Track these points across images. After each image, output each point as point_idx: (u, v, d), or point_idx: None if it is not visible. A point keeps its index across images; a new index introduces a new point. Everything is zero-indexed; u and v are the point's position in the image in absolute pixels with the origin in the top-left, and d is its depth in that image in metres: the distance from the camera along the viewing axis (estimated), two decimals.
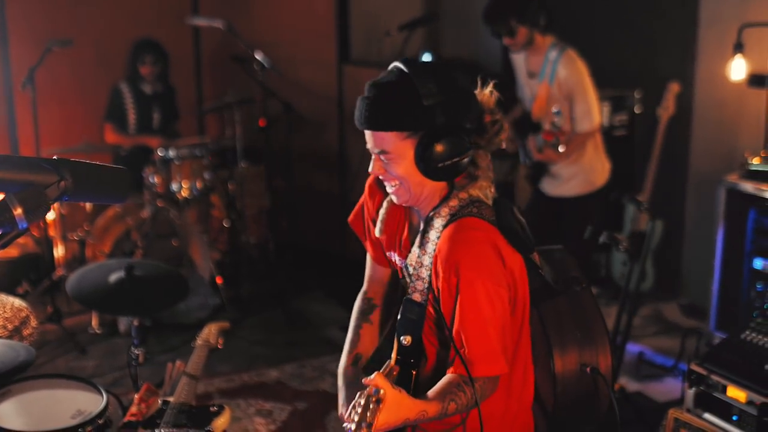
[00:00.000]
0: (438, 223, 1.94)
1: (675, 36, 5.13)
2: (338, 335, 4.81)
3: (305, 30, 5.98)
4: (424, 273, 1.94)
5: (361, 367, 2.22)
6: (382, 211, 2.13)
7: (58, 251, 5.01)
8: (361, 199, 2.24)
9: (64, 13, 5.65)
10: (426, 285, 1.94)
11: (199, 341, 3.24)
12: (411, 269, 2.00)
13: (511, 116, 4.51)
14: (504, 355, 1.88)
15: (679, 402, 3.88)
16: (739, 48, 4.17)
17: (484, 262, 1.87)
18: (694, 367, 2.68)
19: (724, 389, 2.61)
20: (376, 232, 2.13)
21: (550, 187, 4.33)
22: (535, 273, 2.01)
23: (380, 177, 1.99)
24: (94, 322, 4.76)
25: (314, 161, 6.10)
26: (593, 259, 5.30)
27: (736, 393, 2.58)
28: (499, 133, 1.96)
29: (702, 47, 4.89)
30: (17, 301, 3.27)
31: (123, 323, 4.73)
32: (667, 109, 4.78)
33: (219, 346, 3.27)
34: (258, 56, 4.96)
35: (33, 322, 3.25)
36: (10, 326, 3.11)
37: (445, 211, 1.93)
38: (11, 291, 4.52)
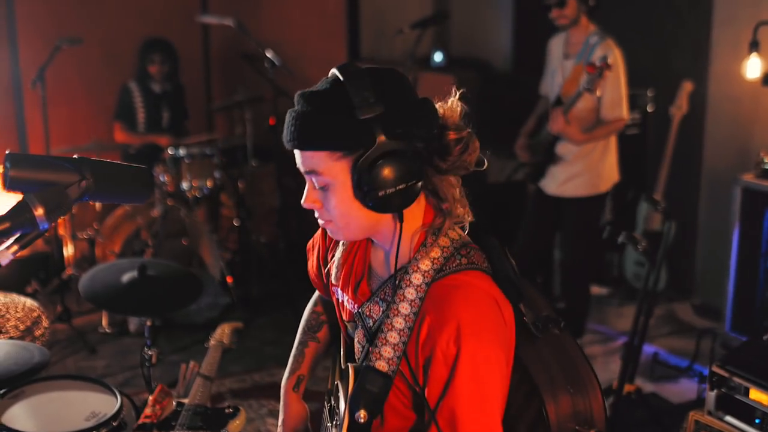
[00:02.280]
0: (418, 279, 1.62)
1: (688, 34, 5.10)
2: None
3: (315, 28, 5.96)
4: (395, 338, 1.61)
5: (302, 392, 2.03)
6: (339, 251, 1.83)
7: (68, 250, 4.99)
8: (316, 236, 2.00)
9: (72, 12, 5.63)
10: (398, 354, 1.61)
11: (212, 341, 3.21)
12: (370, 321, 1.70)
13: (535, 113, 4.46)
14: None
15: (694, 403, 3.87)
16: (754, 46, 4.13)
17: (488, 324, 1.58)
18: (716, 369, 2.64)
19: (746, 392, 2.57)
20: (333, 279, 1.83)
21: (552, 186, 4.28)
22: (518, 320, 1.71)
23: (314, 210, 1.67)
24: (104, 322, 4.74)
25: None
26: (606, 259, 5.27)
27: (758, 395, 2.54)
28: (464, 152, 1.63)
29: (716, 46, 4.85)
30: (29, 301, 3.25)
31: (133, 323, 4.71)
32: (680, 107, 4.75)
33: (232, 347, 3.25)
34: (269, 54, 4.92)
35: (44, 323, 3.23)
36: (22, 326, 3.09)
37: (426, 264, 1.62)
38: (20, 290, 4.50)
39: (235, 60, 5.87)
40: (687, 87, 4.76)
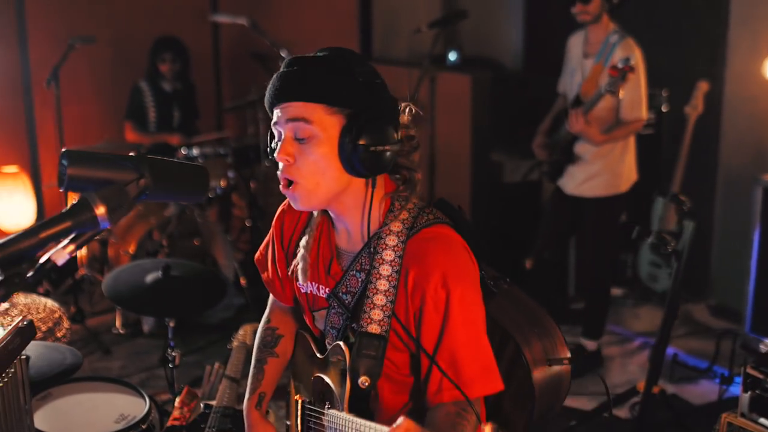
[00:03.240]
0: (393, 240, 1.71)
1: (704, 34, 5.07)
2: None
3: (327, 27, 5.92)
4: (382, 300, 1.69)
5: (265, 408, 2.01)
6: (304, 243, 1.85)
7: (80, 250, 4.96)
8: (269, 235, 2.01)
9: (82, 11, 5.59)
10: (387, 314, 1.69)
11: (235, 343, 3.18)
12: (348, 297, 1.78)
13: (553, 111, 4.43)
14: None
15: (715, 405, 3.85)
16: None
17: (467, 268, 1.71)
18: (750, 371, 2.62)
19: None
20: (300, 278, 1.85)
21: (570, 186, 4.25)
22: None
23: (282, 167, 1.69)
24: (118, 323, 4.70)
25: None
26: (620, 259, 5.25)
27: None
28: (415, 150, 1.77)
29: (732, 45, 4.83)
30: (50, 302, 3.21)
31: (147, 324, 4.68)
32: (696, 107, 4.72)
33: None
34: (283, 54, 4.89)
35: (66, 323, 3.19)
36: (44, 327, 3.06)
37: (397, 225, 1.72)
38: (32, 291, 4.47)
39: (245, 59, 5.83)
40: (703, 87, 4.73)
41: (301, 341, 2.02)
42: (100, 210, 1.26)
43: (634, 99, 4.00)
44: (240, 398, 3.72)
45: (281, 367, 2.05)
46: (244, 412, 2.02)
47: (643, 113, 4.04)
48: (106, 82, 5.73)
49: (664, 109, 5.12)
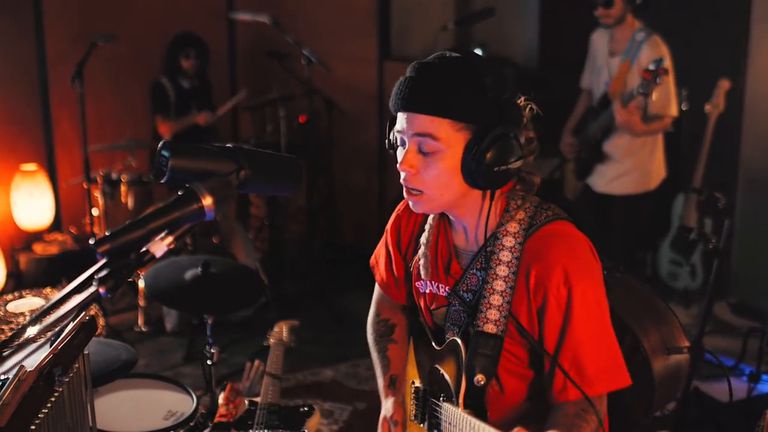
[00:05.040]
0: (510, 241, 1.70)
1: (726, 32, 5.07)
2: None
3: (345, 26, 5.91)
4: (499, 300, 1.70)
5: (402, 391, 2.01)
6: (424, 241, 1.86)
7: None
8: (384, 240, 2.02)
9: (99, 9, 5.56)
10: (503, 314, 1.70)
11: (272, 340, 3.18)
12: (470, 296, 1.77)
13: (577, 109, 4.43)
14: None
15: (744, 402, 3.85)
16: None
17: (590, 264, 1.69)
18: None
19: None
20: (423, 275, 1.86)
21: (599, 183, 4.25)
22: None
23: (406, 177, 1.70)
24: (140, 321, 4.68)
25: (353, 158, 6.02)
26: (640, 257, 5.24)
27: None
28: (532, 153, 1.72)
29: (754, 44, 4.84)
30: None
31: (169, 322, 4.65)
32: (717, 106, 4.72)
33: (292, 345, 3.23)
34: (305, 51, 4.87)
35: (101, 320, 3.19)
36: None
37: (513, 226, 1.71)
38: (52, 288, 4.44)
39: (261, 58, 5.82)
40: (724, 85, 4.74)
41: (417, 330, 2.02)
42: (207, 201, 1.25)
43: (665, 96, 4.00)
44: (282, 395, 3.72)
45: (403, 351, 2.08)
46: (380, 393, 2.05)
47: (673, 110, 4.05)
48: (123, 79, 5.69)
49: (684, 107, 5.12)
